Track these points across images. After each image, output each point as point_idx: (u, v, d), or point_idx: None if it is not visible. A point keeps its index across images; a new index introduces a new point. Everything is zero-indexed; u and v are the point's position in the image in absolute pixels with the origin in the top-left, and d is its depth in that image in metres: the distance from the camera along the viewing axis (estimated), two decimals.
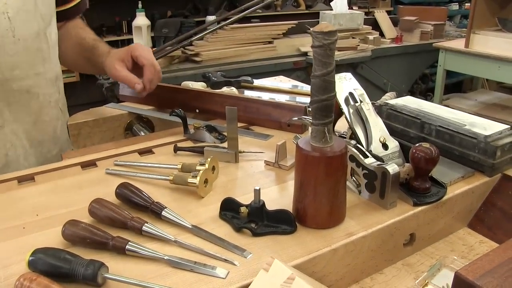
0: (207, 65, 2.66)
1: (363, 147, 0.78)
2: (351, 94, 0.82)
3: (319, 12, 3.40)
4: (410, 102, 0.98)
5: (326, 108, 0.63)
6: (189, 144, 1.01)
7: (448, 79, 3.43)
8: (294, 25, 3.11)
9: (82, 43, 1.14)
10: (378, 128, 0.81)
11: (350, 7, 3.70)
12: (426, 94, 3.90)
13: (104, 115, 1.24)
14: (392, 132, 0.88)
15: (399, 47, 3.39)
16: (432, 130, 0.88)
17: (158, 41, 2.83)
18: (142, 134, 1.24)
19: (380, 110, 0.97)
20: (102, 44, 1.13)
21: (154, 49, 2.62)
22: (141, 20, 2.78)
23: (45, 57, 0.96)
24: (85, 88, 3.01)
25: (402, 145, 0.82)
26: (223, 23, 2.82)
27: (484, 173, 0.82)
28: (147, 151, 0.99)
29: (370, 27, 3.43)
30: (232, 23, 2.84)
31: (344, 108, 0.81)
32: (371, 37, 3.28)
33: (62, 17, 1.09)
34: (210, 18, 3.02)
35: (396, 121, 0.95)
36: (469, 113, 0.93)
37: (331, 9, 3.35)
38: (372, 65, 3.22)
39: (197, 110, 1.18)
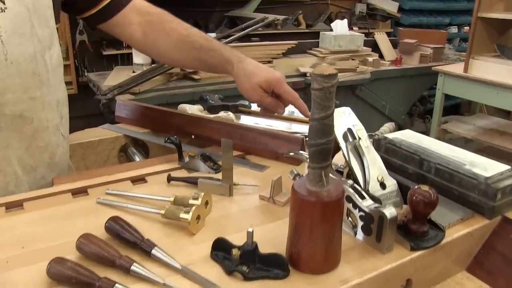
0: (206, 83, 2.65)
1: (360, 186, 0.76)
2: (349, 130, 0.81)
3: (319, 32, 3.41)
4: (409, 137, 0.96)
5: (324, 152, 0.61)
6: (183, 172, 0.99)
7: (446, 101, 3.42)
8: (294, 45, 3.11)
9: (189, 42, 1.08)
10: (376, 166, 0.79)
11: (350, 28, 3.71)
12: (424, 116, 3.89)
13: (99, 137, 1.23)
14: (390, 167, 0.87)
15: (398, 69, 3.39)
16: (431, 167, 0.87)
17: None
18: (137, 158, 1.22)
19: (378, 144, 0.96)
20: (218, 45, 1.09)
21: (153, 65, 2.61)
22: None
23: (43, 80, 0.93)
24: (83, 101, 3.00)
25: (400, 184, 0.80)
26: (224, 40, 2.82)
27: (484, 215, 0.80)
28: (140, 179, 0.97)
29: (370, 49, 3.43)
30: (232, 41, 2.84)
31: (342, 145, 0.79)
32: (370, 59, 3.28)
33: (106, 16, 1.06)
34: (211, 35, 3.02)
35: (394, 156, 0.93)
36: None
37: (331, 30, 3.36)
38: (371, 87, 3.22)
39: (193, 136, 1.16)
